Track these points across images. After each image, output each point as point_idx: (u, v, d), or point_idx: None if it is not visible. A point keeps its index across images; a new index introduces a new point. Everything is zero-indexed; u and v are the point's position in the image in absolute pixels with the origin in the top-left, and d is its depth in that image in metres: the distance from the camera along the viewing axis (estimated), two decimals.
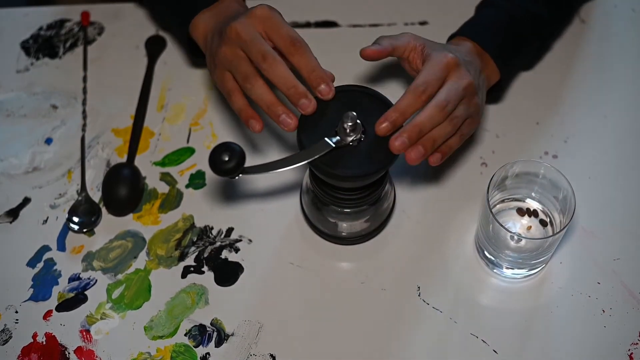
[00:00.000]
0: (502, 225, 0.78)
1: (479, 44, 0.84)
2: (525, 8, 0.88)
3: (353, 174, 0.74)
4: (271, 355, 0.81)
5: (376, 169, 0.74)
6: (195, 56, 0.89)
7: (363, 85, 0.79)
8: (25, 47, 1.03)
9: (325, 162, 0.74)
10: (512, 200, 0.86)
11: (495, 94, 0.90)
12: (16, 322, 0.84)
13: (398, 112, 0.73)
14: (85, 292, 0.85)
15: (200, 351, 0.81)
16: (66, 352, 0.82)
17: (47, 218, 0.90)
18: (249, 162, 0.71)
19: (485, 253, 0.84)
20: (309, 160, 0.73)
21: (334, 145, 0.73)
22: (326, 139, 0.73)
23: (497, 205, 0.86)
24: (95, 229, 0.89)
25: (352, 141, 0.74)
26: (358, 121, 0.74)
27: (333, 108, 0.76)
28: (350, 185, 0.77)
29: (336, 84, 0.76)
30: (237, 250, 0.87)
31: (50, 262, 0.87)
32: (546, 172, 0.82)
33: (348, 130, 0.74)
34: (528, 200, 0.86)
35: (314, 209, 0.85)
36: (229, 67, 0.76)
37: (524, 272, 0.84)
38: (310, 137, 0.75)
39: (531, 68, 0.98)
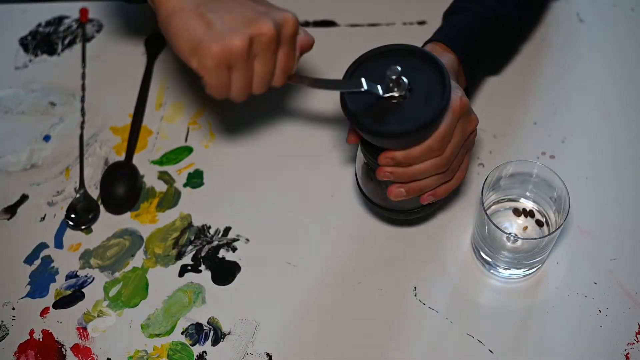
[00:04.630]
0: (497, 226, 0.78)
1: (456, 56, 0.83)
2: (495, 11, 0.88)
3: (395, 131, 0.71)
4: (267, 354, 0.81)
5: (420, 126, 0.71)
6: None
7: (409, 44, 0.76)
8: (24, 43, 1.03)
9: (368, 119, 0.72)
10: (507, 201, 0.86)
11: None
12: (13, 319, 0.84)
13: (407, 161, 0.74)
14: (83, 290, 0.86)
15: (196, 350, 0.82)
16: (63, 350, 0.82)
17: (45, 215, 0.90)
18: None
19: (482, 254, 0.84)
20: (336, 89, 0.72)
21: (365, 87, 0.72)
22: (363, 79, 0.72)
23: (493, 206, 0.86)
24: (93, 227, 0.89)
25: (395, 97, 0.72)
26: (403, 78, 0.72)
27: (380, 67, 0.73)
28: (395, 145, 0.74)
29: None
30: (234, 249, 0.87)
31: (48, 260, 0.88)
32: (540, 172, 0.82)
33: (391, 85, 0.72)
34: (523, 201, 0.86)
35: (368, 182, 0.82)
36: None
37: (520, 272, 0.84)
38: (353, 98, 0.73)
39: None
